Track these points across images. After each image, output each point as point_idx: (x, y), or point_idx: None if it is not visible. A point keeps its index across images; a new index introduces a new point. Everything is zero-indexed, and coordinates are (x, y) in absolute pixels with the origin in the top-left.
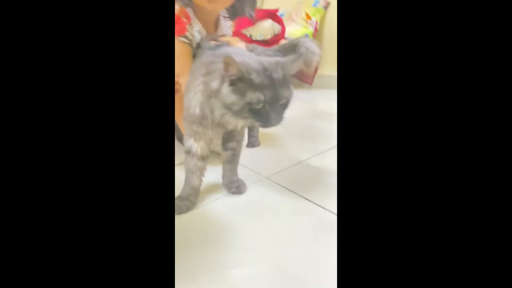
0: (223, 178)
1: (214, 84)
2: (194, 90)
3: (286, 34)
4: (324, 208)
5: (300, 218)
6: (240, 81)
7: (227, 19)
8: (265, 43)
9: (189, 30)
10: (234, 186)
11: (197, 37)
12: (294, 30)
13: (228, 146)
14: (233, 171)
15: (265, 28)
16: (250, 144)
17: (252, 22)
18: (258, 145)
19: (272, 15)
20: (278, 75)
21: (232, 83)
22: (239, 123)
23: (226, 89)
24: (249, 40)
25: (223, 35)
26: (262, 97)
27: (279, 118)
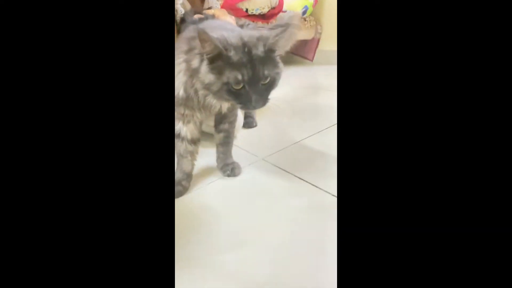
0: (217, 161)
1: (195, 63)
2: (177, 69)
3: (285, 7)
4: (321, 189)
5: (297, 199)
6: (218, 59)
7: None
8: (263, 17)
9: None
10: (229, 168)
11: (181, 10)
12: (293, 2)
13: (221, 128)
14: (227, 153)
15: (262, 1)
16: (247, 125)
17: None
18: (255, 125)
19: None
20: (258, 51)
21: (211, 61)
22: (224, 105)
23: (204, 68)
24: (244, 14)
25: (209, 8)
26: (240, 77)
27: (261, 100)
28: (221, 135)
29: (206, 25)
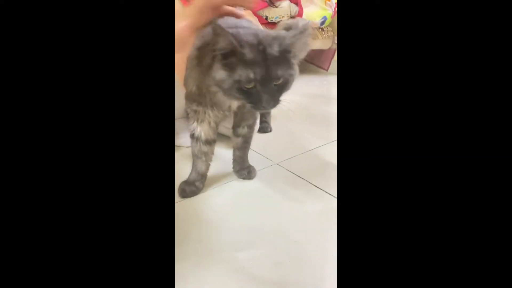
0: (233, 164)
1: (208, 59)
2: (189, 65)
3: (304, 16)
4: (333, 196)
5: (309, 205)
6: (231, 56)
7: None
8: None
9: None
10: (245, 172)
11: None
12: (312, 12)
13: (239, 132)
14: (244, 158)
15: (282, 9)
16: (262, 130)
17: (267, 3)
18: (270, 131)
19: None
20: (273, 50)
21: (224, 57)
22: (233, 104)
23: (216, 64)
24: (264, 22)
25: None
26: (252, 75)
27: (273, 101)
28: (239, 139)
29: (222, 21)
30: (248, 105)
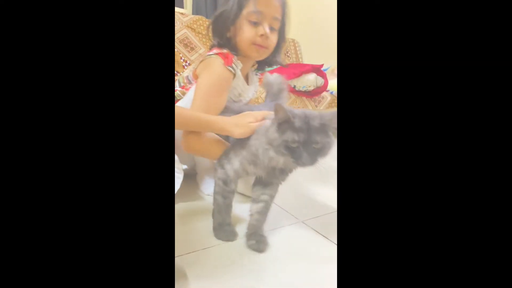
0: (248, 227)
1: (269, 128)
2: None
3: (328, 87)
4: None
5: (332, 266)
6: (285, 124)
7: (255, 72)
8: (308, 93)
9: (235, 62)
10: (255, 239)
11: (238, 73)
12: (335, 84)
13: (261, 199)
14: (260, 224)
15: (309, 81)
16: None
17: (297, 74)
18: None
19: (317, 69)
20: (315, 123)
21: (279, 125)
22: (280, 160)
23: (272, 128)
24: (292, 90)
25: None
26: (296, 138)
27: (311, 159)
28: (260, 205)
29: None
30: (291, 160)
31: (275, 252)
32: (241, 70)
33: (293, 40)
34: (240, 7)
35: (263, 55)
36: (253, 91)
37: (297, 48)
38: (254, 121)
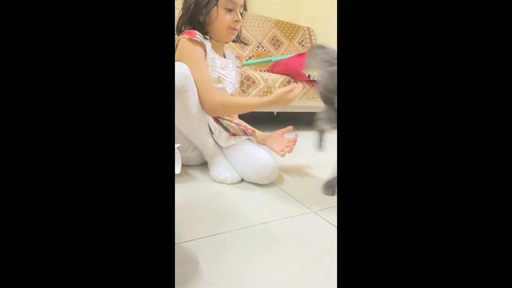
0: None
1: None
2: None
3: None
4: None
5: None
6: None
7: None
8: None
9: (198, 34)
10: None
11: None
12: None
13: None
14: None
15: None
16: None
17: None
18: (332, 195)
19: None
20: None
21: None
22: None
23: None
24: (307, 79)
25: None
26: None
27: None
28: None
29: None
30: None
31: (287, 241)
32: (215, 48)
33: (309, 29)
34: None
35: (233, 37)
36: (232, 64)
37: (312, 37)
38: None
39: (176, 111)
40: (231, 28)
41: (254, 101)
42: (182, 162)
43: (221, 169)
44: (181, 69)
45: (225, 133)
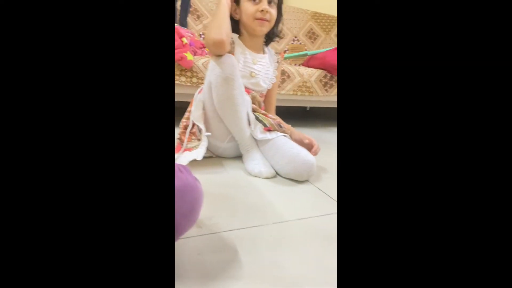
0: None
1: None
2: None
3: None
4: None
5: None
6: None
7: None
8: None
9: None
10: None
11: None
12: None
13: None
14: None
15: None
16: None
17: None
18: None
19: None
20: None
21: None
22: None
23: None
24: None
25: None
26: None
27: None
28: None
29: None
30: None
31: (321, 238)
32: (247, 44)
33: None
34: None
35: (265, 28)
36: (268, 59)
37: None
38: None
39: (221, 98)
40: (257, 19)
41: (218, 7)
42: (218, 154)
43: (256, 163)
44: (229, 59)
45: (260, 125)
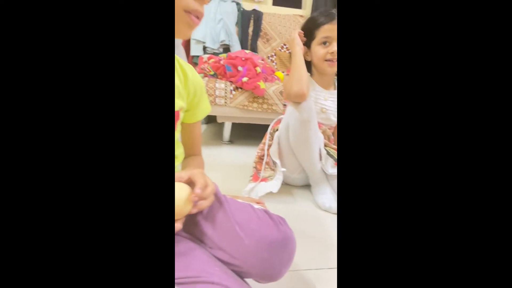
0: None
1: None
2: None
3: None
4: None
5: None
6: None
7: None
8: None
9: None
10: None
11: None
12: None
13: None
14: None
15: None
16: None
17: None
18: None
19: None
20: None
21: None
22: None
23: None
24: None
25: None
26: None
27: None
28: None
29: None
30: None
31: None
32: (318, 82)
33: None
34: (312, 36)
35: (335, 69)
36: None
37: None
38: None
39: (298, 138)
40: (327, 60)
41: (295, 58)
42: (287, 182)
43: (326, 197)
44: (307, 104)
45: (331, 160)
